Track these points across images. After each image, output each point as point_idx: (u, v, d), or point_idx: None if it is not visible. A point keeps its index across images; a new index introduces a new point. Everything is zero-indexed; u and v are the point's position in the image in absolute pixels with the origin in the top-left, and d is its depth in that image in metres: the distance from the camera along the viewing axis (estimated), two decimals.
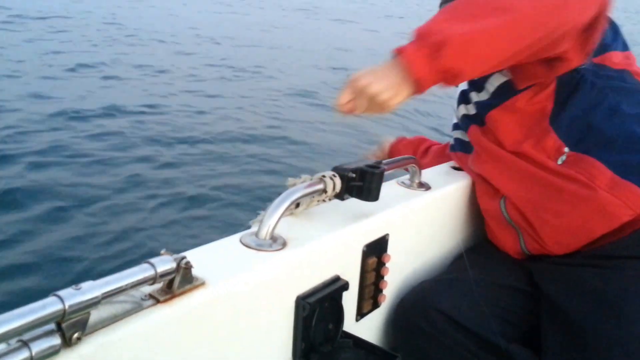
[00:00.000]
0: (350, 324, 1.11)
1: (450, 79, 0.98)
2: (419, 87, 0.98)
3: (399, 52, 0.97)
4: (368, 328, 1.18)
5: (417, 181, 1.27)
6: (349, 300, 1.09)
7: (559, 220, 1.16)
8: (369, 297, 1.15)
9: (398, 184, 1.28)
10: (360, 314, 1.14)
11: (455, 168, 1.46)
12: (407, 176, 1.29)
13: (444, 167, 1.47)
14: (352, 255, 1.07)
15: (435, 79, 0.97)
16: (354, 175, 1.00)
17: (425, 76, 0.96)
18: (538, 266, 1.24)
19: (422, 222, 1.28)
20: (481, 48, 0.97)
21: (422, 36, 0.97)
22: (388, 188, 1.26)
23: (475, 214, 1.44)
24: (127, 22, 10.83)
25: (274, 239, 0.94)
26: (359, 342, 1.06)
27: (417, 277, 1.29)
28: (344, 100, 1.02)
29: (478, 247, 1.42)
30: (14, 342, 0.60)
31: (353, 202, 1.08)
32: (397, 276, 1.23)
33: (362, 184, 1.01)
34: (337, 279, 1.02)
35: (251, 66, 8.08)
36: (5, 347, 0.59)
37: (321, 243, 0.99)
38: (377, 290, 1.16)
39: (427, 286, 1.24)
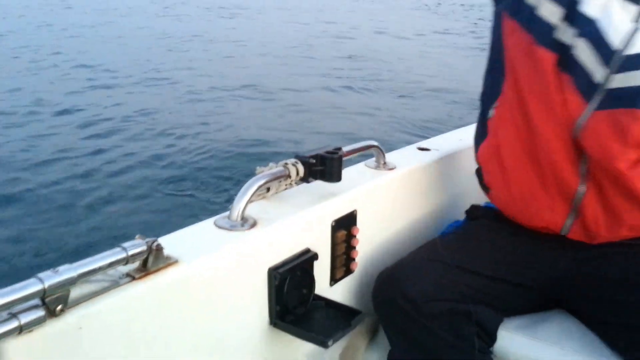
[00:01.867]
0: (325, 289, 1.17)
1: None
2: None
3: None
4: (342, 292, 1.22)
5: (382, 162, 1.31)
6: (321, 269, 1.13)
7: None
8: (341, 265, 1.19)
9: (365, 165, 1.33)
10: (334, 280, 1.20)
11: (420, 149, 1.49)
12: (374, 158, 1.34)
13: (410, 149, 1.50)
14: (322, 229, 1.12)
15: None
16: (314, 161, 1.05)
17: None
18: (575, 249, 1.16)
19: (389, 199, 1.31)
20: None
21: None
22: (355, 170, 1.30)
23: (445, 192, 1.48)
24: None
25: (245, 219, 0.99)
26: (329, 303, 1.11)
27: (388, 247, 1.33)
28: None
29: (456, 227, 1.37)
30: (4, 314, 0.67)
31: (320, 184, 1.13)
32: (367, 246, 1.26)
33: (323, 167, 1.06)
34: (307, 251, 1.08)
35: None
36: None
37: (291, 220, 1.04)
38: (349, 259, 1.21)
39: (398, 265, 1.19)
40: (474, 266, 1.15)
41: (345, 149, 1.14)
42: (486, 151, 1.22)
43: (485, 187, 1.27)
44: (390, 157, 1.36)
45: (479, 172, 1.30)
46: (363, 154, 1.30)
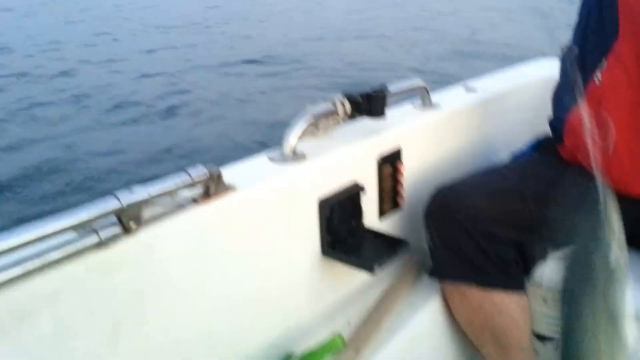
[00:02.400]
0: (374, 222, 1.23)
1: None
2: None
3: None
4: (390, 225, 1.28)
5: (428, 102, 1.34)
6: (369, 203, 1.20)
7: None
8: (388, 200, 1.25)
9: (411, 105, 1.37)
10: (382, 213, 1.25)
11: (467, 90, 1.50)
12: (420, 99, 1.37)
13: (457, 90, 1.52)
14: (368, 165, 1.18)
15: None
16: (360, 98, 1.10)
17: None
18: None
19: (433, 138, 1.35)
20: None
21: None
22: (401, 109, 1.35)
23: (490, 133, 1.49)
24: None
25: (295, 153, 1.06)
26: (377, 234, 1.18)
27: (434, 185, 1.38)
28: None
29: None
30: (86, 229, 0.76)
31: (367, 123, 1.19)
32: (413, 182, 1.32)
33: (369, 104, 1.10)
34: (355, 184, 1.14)
35: None
36: (79, 234, 0.75)
37: (339, 155, 1.10)
38: (396, 194, 1.26)
39: (458, 182, 1.22)
40: (531, 194, 1.18)
41: (391, 87, 1.18)
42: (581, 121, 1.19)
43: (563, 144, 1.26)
44: (436, 97, 1.39)
45: (557, 129, 1.28)
46: (412, 94, 1.33)
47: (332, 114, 1.09)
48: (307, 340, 1.06)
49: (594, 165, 1.17)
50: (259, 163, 1.04)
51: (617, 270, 0.72)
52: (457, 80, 1.62)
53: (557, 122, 1.30)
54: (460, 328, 1.27)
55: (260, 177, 0.98)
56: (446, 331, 1.28)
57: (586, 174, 1.18)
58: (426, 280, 1.29)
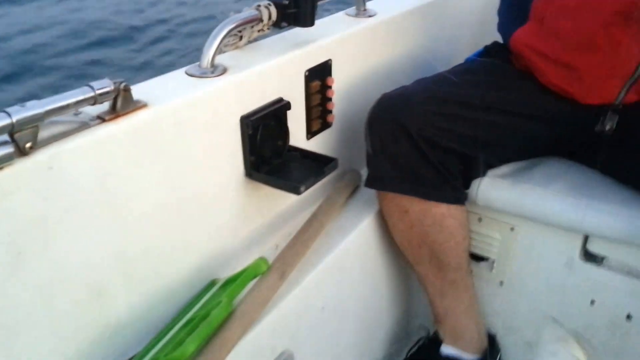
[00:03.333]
0: (301, 142, 1.19)
1: None
2: None
3: None
4: (319, 145, 1.24)
5: (362, 9, 1.28)
6: (297, 120, 1.15)
7: None
8: (317, 117, 1.20)
9: (345, 14, 1.30)
10: (311, 132, 1.21)
11: None
12: (354, 7, 1.30)
13: None
14: (295, 79, 1.11)
15: None
16: (287, 2, 1.02)
17: None
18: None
19: (367, 48, 1.29)
20: None
21: None
22: (333, 18, 1.28)
23: (433, 39, 1.44)
24: None
25: (215, 67, 0.98)
26: (305, 153, 1.14)
27: (368, 100, 1.34)
28: None
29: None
30: None
31: (295, 34, 1.12)
32: (345, 98, 1.27)
33: (297, 10, 1.03)
34: (280, 100, 1.08)
35: None
36: None
37: (262, 68, 1.03)
38: (325, 111, 1.22)
39: (402, 89, 1.17)
40: (480, 104, 1.15)
41: None
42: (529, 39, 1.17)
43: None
44: (373, 4, 1.33)
45: (506, 39, 1.25)
46: (347, 2, 1.27)
47: (256, 21, 1.01)
48: (233, 265, 1.03)
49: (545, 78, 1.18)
50: (175, 78, 0.96)
51: None
52: None
53: (505, 34, 1.27)
54: (392, 247, 1.28)
55: (174, 92, 0.91)
56: (378, 250, 1.29)
57: (538, 84, 1.19)
58: (359, 199, 1.28)
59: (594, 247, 1.17)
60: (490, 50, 1.34)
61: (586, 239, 1.17)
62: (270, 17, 1.02)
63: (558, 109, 1.18)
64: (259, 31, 1.06)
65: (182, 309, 0.96)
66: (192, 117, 0.92)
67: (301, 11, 1.02)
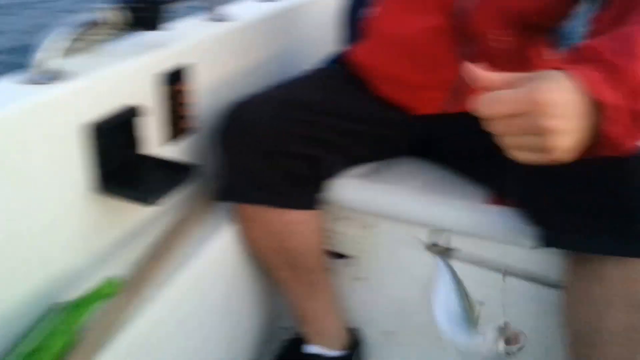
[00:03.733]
0: (159, 149, 1.14)
1: None
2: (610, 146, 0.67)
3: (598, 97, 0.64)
4: (182, 152, 1.21)
5: (217, 14, 1.25)
6: (152, 127, 1.10)
7: None
8: (175, 124, 1.16)
9: (198, 18, 1.26)
10: (168, 140, 1.16)
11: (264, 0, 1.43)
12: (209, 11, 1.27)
13: (250, 2, 1.43)
14: (147, 84, 1.06)
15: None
16: (130, 6, 0.96)
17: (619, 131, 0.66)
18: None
19: (224, 53, 1.26)
20: None
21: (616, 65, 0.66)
22: (186, 22, 1.24)
23: (291, 45, 1.44)
24: None
25: (51, 72, 0.90)
26: (161, 162, 1.09)
27: (228, 104, 1.31)
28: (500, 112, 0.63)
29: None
30: None
31: (144, 38, 1.07)
32: (203, 104, 1.24)
33: (141, 14, 0.98)
34: (129, 107, 1.02)
35: None
36: None
37: (107, 73, 0.97)
38: (183, 118, 1.17)
39: (250, 98, 1.16)
40: (325, 107, 1.17)
41: None
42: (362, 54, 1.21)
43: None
44: (228, 9, 1.30)
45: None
46: (199, 6, 1.22)
47: (98, 25, 0.94)
48: (80, 288, 0.96)
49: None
50: (4, 86, 0.87)
51: None
52: None
53: (344, 48, 1.31)
54: (252, 256, 1.28)
55: (3, 101, 0.83)
56: (240, 258, 1.27)
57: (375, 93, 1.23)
58: (222, 208, 1.25)
59: (443, 240, 1.23)
60: (340, 56, 1.36)
61: (436, 232, 1.23)
62: (113, 20, 0.95)
63: (397, 116, 1.23)
64: (102, 36, 0.99)
65: (15, 341, 0.87)
66: (23, 129, 0.84)
67: (148, 14, 0.97)
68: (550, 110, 0.60)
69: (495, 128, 0.65)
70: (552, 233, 1.00)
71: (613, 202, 0.91)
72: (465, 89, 1.05)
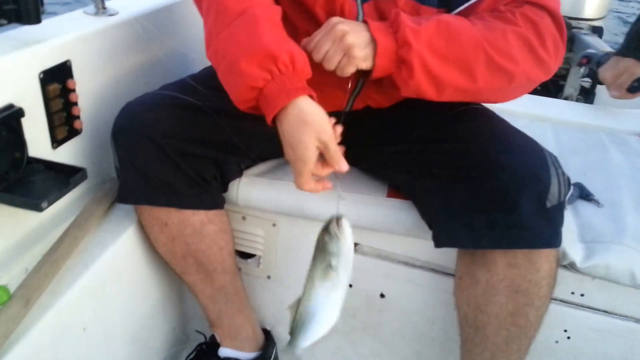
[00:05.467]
0: (46, 152, 1.07)
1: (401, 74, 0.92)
2: (377, 67, 0.91)
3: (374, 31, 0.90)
4: (68, 155, 1.13)
5: (101, 7, 1.19)
6: (37, 129, 1.03)
7: None
8: (62, 124, 1.09)
9: (83, 12, 1.19)
10: (56, 141, 1.09)
11: None
12: (93, 5, 1.21)
13: None
14: (28, 82, 0.99)
15: (388, 69, 0.92)
16: None
17: (386, 64, 0.91)
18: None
19: (110, 48, 1.21)
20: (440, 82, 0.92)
21: (401, 44, 0.89)
22: (69, 16, 1.17)
23: (182, 37, 1.40)
24: None
25: None
26: (49, 165, 1.02)
27: (119, 102, 1.26)
28: (323, 49, 0.90)
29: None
30: None
31: (24, 32, 0.99)
32: (93, 102, 1.17)
33: (16, 6, 0.91)
34: (10, 106, 0.94)
35: None
36: None
37: None
38: (71, 117, 1.11)
39: (141, 99, 1.10)
40: (221, 108, 1.11)
41: None
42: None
43: None
44: (114, 3, 1.24)
45: None
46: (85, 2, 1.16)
47: None
48: None
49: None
50: None
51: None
52: None
53: None
54: (160, 258, 1.22)
55: None
56: (144, 260, 1.22)
57: None
58: (120, 209, 1.19)
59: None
60: None
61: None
62: None
63: None
64: None
65: None
66: None
67: (22, 7, 0.91)
68: (347, 35, 0.88)
69: (317, 57, 0.91)
70: (437, 232, 1.03)
71: (487, 195, 0.94)
72: (364, 88, 1.12)
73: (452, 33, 0.91)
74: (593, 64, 1.91)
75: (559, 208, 0.95)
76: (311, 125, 0.82)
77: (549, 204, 0.92)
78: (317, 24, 1.00)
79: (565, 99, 2.45)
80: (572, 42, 2.53)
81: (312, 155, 0.83)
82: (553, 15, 0.96)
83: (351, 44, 0.88)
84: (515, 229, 0.93)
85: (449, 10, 1.01)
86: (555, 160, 0.96)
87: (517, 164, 0.93)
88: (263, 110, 0.86)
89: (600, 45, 2.31)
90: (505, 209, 0.93)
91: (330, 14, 1.00)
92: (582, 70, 2.32)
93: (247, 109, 0.89)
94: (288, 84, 0.83)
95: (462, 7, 0.99)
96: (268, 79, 0.83)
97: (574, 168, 0.96)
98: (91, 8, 1.20)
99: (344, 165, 0.86)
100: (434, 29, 0.90)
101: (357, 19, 1.00)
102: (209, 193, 1.14)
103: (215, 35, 0.90)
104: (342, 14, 1.00)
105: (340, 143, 1.21)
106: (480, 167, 0.95)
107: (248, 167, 1.23)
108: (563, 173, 0.96)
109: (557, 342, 1.17)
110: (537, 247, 0.95)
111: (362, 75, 0.96)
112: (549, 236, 0.95)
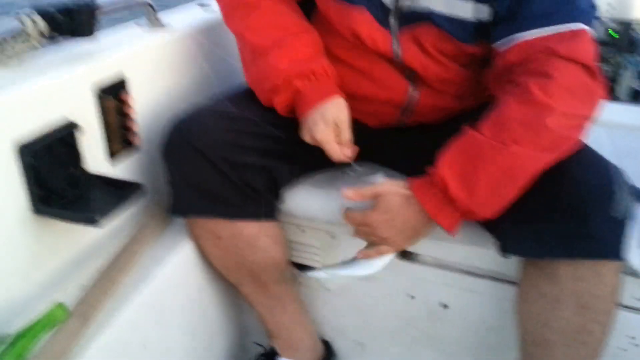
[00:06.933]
0: (103, 167, 1.04)
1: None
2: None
3: (431, 212, 0.93)
4: (125, 169, 1.11)
5: (154, 20, 1.16)
6: (93, 144, 1.00)
7: None
8: (118, 139, 1.06)
9: (135, 24, 1.17)
10: (113, 156, 1.07)
11: (202, 5, 1.35)
12: (146, 18, 1.18)
13: (191, 6, 1.36)
14: (84, 97, 0.97)
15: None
16: (58, 13, 0.87)
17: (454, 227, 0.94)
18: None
19: (165, 62, 1.18)
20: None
21: (452, 201, 0.91)
22: (123, 30, 1.14)
23: (233, 51, 1.37)
24: None
25: None
26: (107, 180, 1.00)
27: (171, 116, 1.23)
28: (352, 224, 1.00)
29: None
30: None
31: (79, 46, 0.97)
32: (149, 116, 1.15)
33: (71, 21, 0.89)
34: (67, 123, 0.92)
35: None
36: None
37: (38, 87, 0.87)
38: (127, 132, 1.08)
39: (194, 112, 1.07)
40: (275, 117, 1.08)
41: (104, 2, 0.97)
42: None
43: None
44: (166, 16, 1.21)
45: None
46: (135, 13, 1.14)
47: (20, 35, 0.85)
48: (26, 316, 0.85)
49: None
50: None
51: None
52: None
53: None
54: (216, 272, 1.18)
55: None
56: (201, 274, 1.18)
57: None
58: (177, 224, 1.15)
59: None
60: None
61: None
62: (37, 29, 0.86)
63: (354, 128, 1.17)
64: (27, 46, 0.90)
65: None
66: None
67: (76, 21, 0.88)
68: (377, 227, 0.96)
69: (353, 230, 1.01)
70: (503, 241, 0.98)
71: (557, 206, 0.90)
72: (413, 107, 1.11)
73: (504, 183, 0.90)
74: None
75: (626, 219, 0.89)
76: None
77: (616, 215, 0.87)
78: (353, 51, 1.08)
79: (616, 100, 2.32)
80: (633, 44, 2.40)
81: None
82: (585, 66, 0.91)
83: (394, 243, 0.98)
84: (585, 240, 0.89)
85: (483, 46, 1.02)
86: (619, 171, 0.91)
87: (586, 176, 0.89)
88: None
89: None
90: (576, 219, 0.88)
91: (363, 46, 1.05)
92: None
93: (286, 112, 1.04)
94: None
95: (499, 43, 0.98)
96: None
97: (631, 172, 0.90)
98: (143, 20, 1.17)
99: (348, 151, 1.00)
100: (486, 190, 0.90)
101: (392, 48, 1.04)
102: (261, 204, 1.09)
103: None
104: (375, 46, 1.05)
105: (394, 158, 1.18)
106: (550, 177, 0.90)
107: (301, 176, 1.18)
108: (629, 184, 0.91)
109: (625, 349, 1.08)
110: (607, 259, 0.90)
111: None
112: (617, 248, 0.89)
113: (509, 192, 0.90)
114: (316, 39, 1.08)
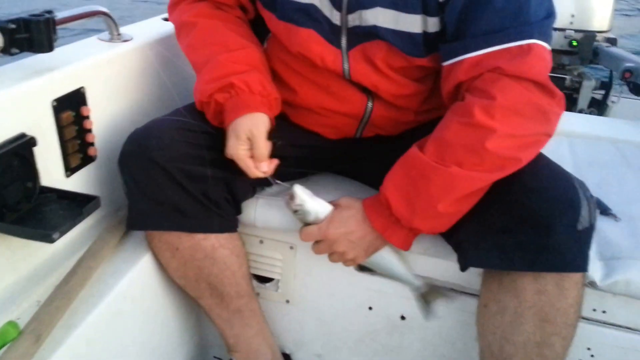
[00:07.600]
0: (60, 181, 1.02)
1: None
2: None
3: (379, 230, 0.98)
4: (83, 183, 1.08)
5: (115, 33, 1.15)
6: (50, 157, 0.98)
7: None
8: (75, 152, 1.04)
9: (97, 39, 1.15)
10: (70, 170, 1.05)
11: (166, 20, 1.34)
12: (107, 31, 1.16)
13: (154, 20, 1.35)
14: (40, 110, 0.95)
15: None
16: (14, 26, 0.85)
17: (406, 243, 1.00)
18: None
19: (125, 75, 1.16)
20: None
21: (400, 220, 0.95)
22: (83, 43, 1.13)
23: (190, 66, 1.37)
24: None
25: None
26: (62, 194, 0.97)
27: (130, 128, 1.21)
28: (310, 241, 1.04)
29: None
30: None
31: (36, 60, 0.96)
32: (107, 129, 1.13)
33: (29, 35, 0.87)
34: (22, 136, 0.90)
35: None
36: None
37: None
38: (85, 144, 1.06)
39: (148, 126, 1.05)
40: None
41: (61, 14, 0.95)
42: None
43: None
44: (130, 29, 1.20)
45: None
46: (95, 25, 1.12)
47: None
48: None
49: None
50: None
51: None
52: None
53: None
54: (176, 286, 1.16)
55: None
56: (160, 288, 1.15)
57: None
58: (136, 236, 1.13)
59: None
60: None
61: None
62: None
63: (313, 140, 1.20)
64: None
65: None
66: None
67: (34, 35, 0.86)
68: (335, 240, 1.00)
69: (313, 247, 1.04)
70: (464, 252, 0.98)
71: (520, 218, 0.89)
72: (370, 120, 1.15)
73: (447, 201, 0.91)
74: (636, 77, 1.83)
75: (589, 232, 0.89)
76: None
77: (580, 227, 0.87)
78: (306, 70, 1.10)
79: (579, 112, 2.38)
80: (597, 55, 2.47)
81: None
82: (535, 82, 0.91)
83: (354, 257, 1.02)
84: (547, 251, 0.88)
85: (434, 59, 1.02)
86: (582, 184, 0.92)
87: (548, 187, 0.89)
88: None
89: (630, 57, 2.22)
90: (539, 231, 0.88)
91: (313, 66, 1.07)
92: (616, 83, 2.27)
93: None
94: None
95: (448, 63, 0.98)
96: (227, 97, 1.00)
97: (590, 182, 0.91)
98: (105, 34, 1.16)
99: (263, 166, 0.99)
100: (428, 208, 0.93)
101: (342, 67, 1.05)
102: (220, 216, 1.08)
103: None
104: (324, 65, 1.06)
105: (354, 168, 1.18)
106: (512, 189, 0.91)
107: (261, 188, 1.18)
108: (591, 196, 0.91)
109: None
110: (569, 271, 0.90)
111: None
112: (580, 260, 0.89)
113: (454, 210, 0.92)
114: (253, 56, 1.07)
